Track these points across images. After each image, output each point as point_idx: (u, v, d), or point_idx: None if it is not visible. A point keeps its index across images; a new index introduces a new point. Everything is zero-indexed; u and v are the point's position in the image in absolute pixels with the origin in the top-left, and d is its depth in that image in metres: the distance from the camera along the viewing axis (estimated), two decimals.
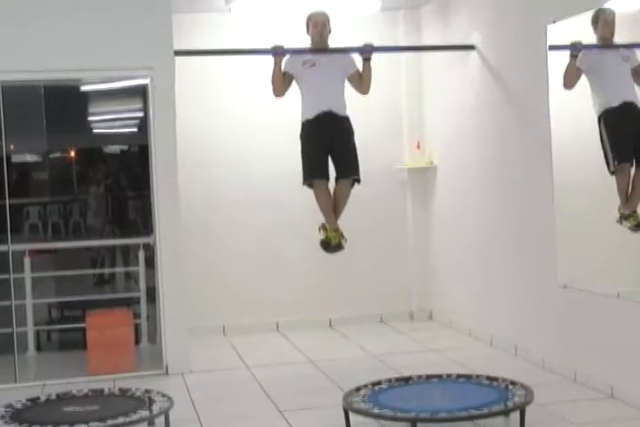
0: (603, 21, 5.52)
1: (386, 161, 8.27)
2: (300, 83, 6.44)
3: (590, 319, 5.71)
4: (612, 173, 5.55)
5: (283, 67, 6.38)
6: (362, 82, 6.54)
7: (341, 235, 6.44)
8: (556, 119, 5.95)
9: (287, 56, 6.44)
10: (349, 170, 6.43)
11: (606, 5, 5.42)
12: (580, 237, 5.88)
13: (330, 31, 6.54)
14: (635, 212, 5.49)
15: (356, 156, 6.45)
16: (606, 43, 5.59)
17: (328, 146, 6.41)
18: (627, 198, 5.55)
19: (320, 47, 6.46)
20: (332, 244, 6.41)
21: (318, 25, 6.48)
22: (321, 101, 6.35)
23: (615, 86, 5.64)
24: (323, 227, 6.45)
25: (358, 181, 6.44)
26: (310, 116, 6.35)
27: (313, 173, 6.40)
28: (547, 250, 6.15)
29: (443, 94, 7.95)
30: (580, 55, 5.65)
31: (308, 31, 6.57)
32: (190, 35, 7.46)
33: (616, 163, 5.52)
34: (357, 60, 6.48)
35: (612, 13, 5.48)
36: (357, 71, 6.46)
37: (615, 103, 5.53)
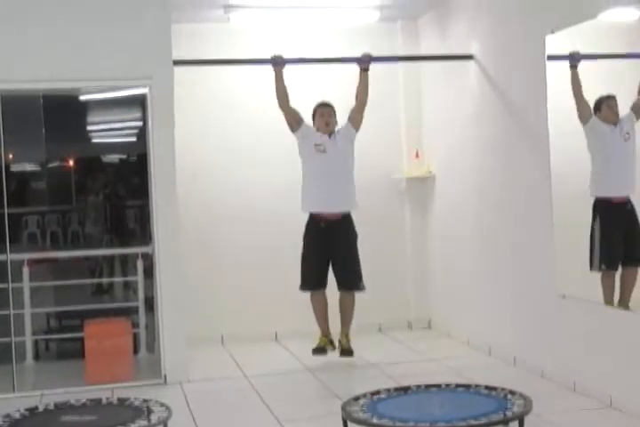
0: (606, 106, 5.63)
1: (384, 170, 8.28)
2: (308, 163, 6.62)
3: (589, 329, 5.70)
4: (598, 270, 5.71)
5: (299, 122, 6.58)
6: (358, 93, 6.60)
7: (330, 341, 6.86)
8: (555, 129, 5.97)
9: (307, 123, 6.69)
10: (350, 282, 6.75)
11: (603, 16, 5.43)
12: (578, 247, 5.88)
13: (336, 122, 6.76)
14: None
15: (357, 265, 6.75)
16: (611, 125, 5.68)
17: (328, 254, 6.74)
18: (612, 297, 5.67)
19: (321, 58, 6.54)
20: (316, 347, 6.83)
21: (325, 115, 6.67)
22: (327, 201, 6.61)
23: (617, 174, 5.71)
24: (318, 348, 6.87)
25: (363, 289, 6.80)
26: (314, 209, 6.70)
27: (308, 285, 6.81)
28: (545, 259, 6.15)
29: (441, 104, 7.96)
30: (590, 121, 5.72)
31: (314, 120, 6.76)
32: (189, 45, 7.47)
33: (603, 266, 5.67)
34: (354, 72, 6.50)
35: (614, 99, 5.61)
36: (351, 113, 6.71)
37: (613, 195, 5.63)
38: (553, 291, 6.04)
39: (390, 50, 8.09)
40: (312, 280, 6.79)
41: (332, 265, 6.77)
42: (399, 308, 8.36)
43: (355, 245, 6.78)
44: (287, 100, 6.53)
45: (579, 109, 5.75)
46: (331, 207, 6.67)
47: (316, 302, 6.85)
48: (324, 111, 6.71)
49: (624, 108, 5.61)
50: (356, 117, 6.73)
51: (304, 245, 6.81)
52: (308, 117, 6.85)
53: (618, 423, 5.16)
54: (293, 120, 6.64)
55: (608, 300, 5.61)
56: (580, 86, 5.73)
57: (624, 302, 5.53)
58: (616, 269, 5.66)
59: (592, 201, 5.74)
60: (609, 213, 5.66)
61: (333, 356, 7.40)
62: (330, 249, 6.71)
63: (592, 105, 5.70)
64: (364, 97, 6.66)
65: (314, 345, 6.86)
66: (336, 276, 6.79)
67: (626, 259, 5.66)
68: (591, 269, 5.71)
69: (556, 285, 6.01)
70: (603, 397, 5.49)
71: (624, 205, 5.62)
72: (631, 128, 5.55)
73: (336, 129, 6.75)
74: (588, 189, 5.77)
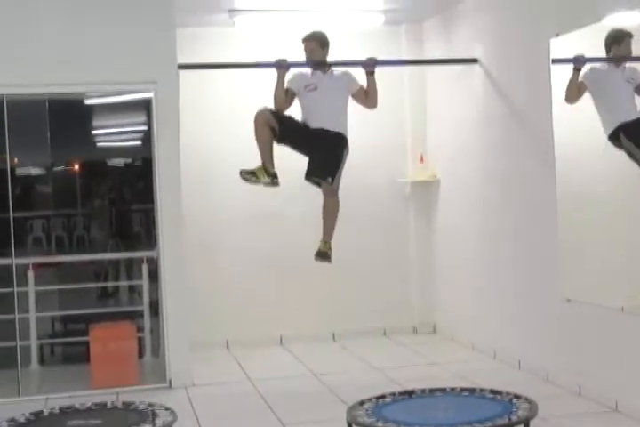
0: (626, 43, 5.49)
1: (389, 174, 8.28)
2: (301, 104, 6.47)
3: (594, 333, 5.70)
4: None
5: (287, 84, 6.38)
6: (368, 96, 6.55)
7: (267, 171, 6.31)
8: (559, 132, 5.97)
9: (292, 73, 6.44)
10: (322, 171, 6.21)
11: (607, 20, 5.42)
12: (583, 250, 5.88)
13: (326, 53, 6.47)
14: None
15: (336, 161, 6.23)
16: (613, 65, 5.59)
17: (307, 146, 6.29)
18: None
19: (322, 61, 6.45)
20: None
21: (306, 49, 6.49)
22: (315, 121, 6.35)
23: (620, 106, 5.64)
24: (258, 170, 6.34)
25: (331, 181, 6.17)
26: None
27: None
28: (550, 263, 6.14)
29: (446, 108, 7.96)
30: (585, 70, 5.66)
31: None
32: (194, 49, 7.48)
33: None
34: (359, 75, 6.47)
35: (631, 36, 5.47)
36: (361, 87, 6.45)
37: (629, 118, 5.53)
38: (558, 295, 6.04)
39: (395, 54, 8.09)
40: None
41: (309, 158, 6.29)
42: (404, 312, 8.35)
43: (338, 149, 6.25)
44: (284, 103, 6.48)
45: (572, 103, 5.73)
46: (319, 126, 6.40)
47: (259, 125, 6.27)
48: (305, 46, 6.41)
49: None
50: (357, 98, 6.56)
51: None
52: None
53: None
54: (292, 98, 6.52)
55: None
56: (576, 90, 5.69)
57: None
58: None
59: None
60: (632, 126, 5.50)
61: (338, 359, 7.41)
62: (309, 144, 6.28)
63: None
64: (373, 101, 6.61)
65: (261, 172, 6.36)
66: (311, 164, 6.28)
67: None
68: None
69: (561, 288, 6.00)
70: (608, 401, 5.48)
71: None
72: (637, 77, 5.49)
73: (336, 71, 6.55)
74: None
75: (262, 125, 6.29)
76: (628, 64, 5.53)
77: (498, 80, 6.94)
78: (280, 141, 6.31)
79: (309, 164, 6.28)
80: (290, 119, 6.35)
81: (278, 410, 5.82)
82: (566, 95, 5.75)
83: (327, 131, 6.29)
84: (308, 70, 6.45)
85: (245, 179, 6.37)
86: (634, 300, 5.54)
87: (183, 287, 6.68)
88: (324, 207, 6.30)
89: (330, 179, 6.18)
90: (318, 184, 6.24)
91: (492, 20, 7.03)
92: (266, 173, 6.35)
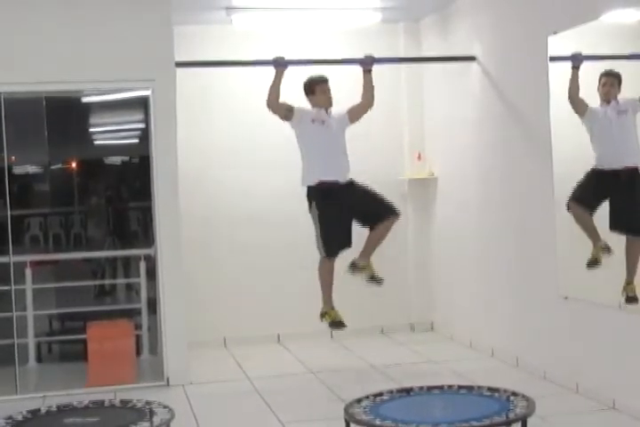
0: (603, 82, 5.61)
1: (386, 172, 8.27)
2: (306, 137, 6.53)
3: (592, 331, 5.70)
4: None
5: (292, 104, 6.48)
6: (364, 94, 6.58)
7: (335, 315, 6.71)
8: (557, 130, 5.96)
9: (299, 108, 6.56)
10: (389, 209, 6.62)
11: (605, 17, 5.42)
12: (581, 248, 5.87)
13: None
14: (631, 283, 5.50)
15: (382, 200, 6.61)
16: (604, 103, 5.68)
17: (349, 209, 6.57)
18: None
19: (323, 60, 6.50)
20: (334, 320, 6.72)
21: (326, 91, 6.59)
22: (332, 168, 6.50)
23: (613, 142, 5.72)
24: (321, 314, 6.76)
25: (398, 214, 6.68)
26: (320, 179, 6.49)
27: (332, 248, 6.59)
28: (548, 261, 6.14)
29: (443, 106, 7.96)
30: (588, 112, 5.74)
31: (310, 96, 6.66)
32: (192, 47, 7.47)
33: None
34: (357, 75, 6.48)
35: (614, 76, 5.59)
36: (351, 107, 6.59)
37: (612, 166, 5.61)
38: (555, 292, 6.04)
39: (392, 51, 8.09)
40: (341, 240, 6.56)
41: (362, 211, 6.59)
42: (401, 310, 8.35)
43: (369, 190, 6.63)
44: (277, 99, 6.50)
45: (574, 107, 5.76)
46: (337, 175, 6.54)
47: (327, 270, 6.63)
48: (326, 88, 6.60)
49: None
50: (356, 113, 6.66)
51: (319, 212, 6.51)
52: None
53: (621, 425, 5.16)
54: (286, 111, 6.56)
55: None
56: (577, 87, 5.73)
57: (630, 276, 5.48)
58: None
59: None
60: (600, 176, 5.67)
61: (335, 357, 7.40)
62: (350, 203, 6.52)
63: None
64: (369, 98, 6.64)
65: (328, 318, 6.73)
66: (372, 214, 6.60)
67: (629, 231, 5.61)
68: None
69: (559, 286, 6.01)
70: (606, 399, 5.48)
71: (619, 172, 5.57)
72: (631, 107, 5.52)
73: (331, 112, 6.66)
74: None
75: (325, 268, 6.68)
76: (621, 98, 5.60)
77: (496, 78, 6.94)
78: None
79: (372, 212, 6.63)
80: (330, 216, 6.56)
81: (276, 408, 5.82)
82: (569, 93, 5.77)
83: (345, 185, 6.54)
84: (310, 108, 6.62)
85: (338, 328, 6.84)
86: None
87: (181, 285, 6.68)
88: (383, 228, 6.63)
89: (394, 213, 6.64)
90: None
91: (489, 17, 7.03)
92: (333, 311, 6.75)
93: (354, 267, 6.70)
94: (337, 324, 6.70)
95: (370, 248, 6.67)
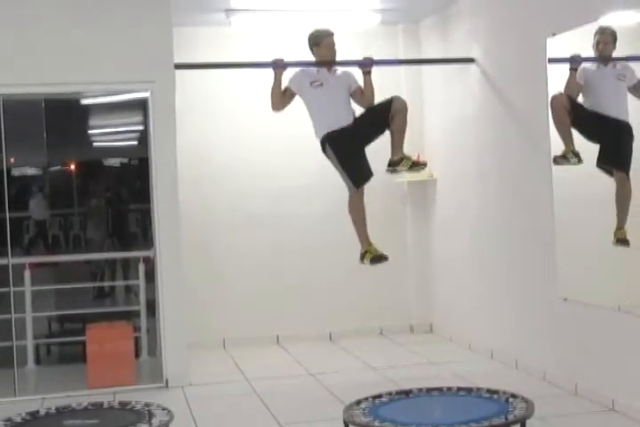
0: (602, 42, 5.56)
1: (386, 174, 8.25)
2: (308, 102, 6.47)
3: (591, 332, 5.70)
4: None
5: (287, 83, 6.38)
6: (364, 96, 6.56)
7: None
8: (556, 131, 5.96)
9: (293, 72, 6.43)
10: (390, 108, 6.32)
11: (603, 20, 5.43)
12: (580, 250, 5.88)
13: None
14: (622, 228, 5.51)
15: (381, 105, 6.36)
16: (603, 64, 5.65)
17: (361, 142, 6.33)
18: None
19: (324, 61, 6.45)
20: (374, 256, 6.30)
21: (332, 45, 6.49)
22: (333, 121, 6.38)
23: (608, 105, 5.68)
24: (361, 255, 6.37)
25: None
26: (328, 129, 6.32)
27: (361, 178, 6.32)
28: (547, 263, 6.14)
29: (443, 107, 7.97)
30: (579, 70, 5.68)
31: (315, 49, 6.55)
32: (191, 48, 7.47)
33: None
34: (358, 75, 6.48)
35: (610, 35, 5.52)
36: (359, 87, 6.47)
37: (620, 117, 5.56)
38: (555, 294, 6.04)
39: (391, 53, 8.10)
40: (360, 170, 6.36)
41: (370, 132, 6.38)
42: (401, 311, 8.35)
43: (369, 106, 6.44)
44: (281, 103, 6.48)
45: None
46: (340, 124, 6.47)
47: (356, 205, 6.39)
48: (332, 42, 6.44)
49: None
50: (355, 97, 6.61)
51: (333, 150, 6.31)
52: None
53: None
54: (291, 98, 6.53)
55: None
56: (575, 89, 5.71)
57: (620, 222, 5.50)
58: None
59: None
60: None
61: (335, 359, 7.40)
62: (357, 134, 6.34)
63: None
64: (370, 100, 6.62)
65: (369, 255, 6.32)
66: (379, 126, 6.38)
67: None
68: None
69: (558, 288, 6.01)
70: (605, 400, 5.48)
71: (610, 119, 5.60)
72: (629, 73, 5.51)
73: (337, 69, 6.58)
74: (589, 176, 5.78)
75: (357, 204, 6.36)
76: (622, 63, 5.56)
77: (494, 79, 6.94)
78: None
79: (379, 129, 6.35)
80: None
81: (275, 410, 5.82)
82: (566, 95, 5.77)
83: (352, 124, 6.32)
84: (311, 68, 6.45)
85: (379, 262, 6.33)
86: (630, 299, 5.54)
87: (180, 287, 6.68)
88: (397, 121, 6.34)
89: (398, 102, 6.30)
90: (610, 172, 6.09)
91: (488, 19, 7.03)
92: (371, 246, 6.34)
93: (393, 163, 6.44)
94: (379, 258, 6.32)
95: (397, 141, 6.43)
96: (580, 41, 5.73)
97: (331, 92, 6.43)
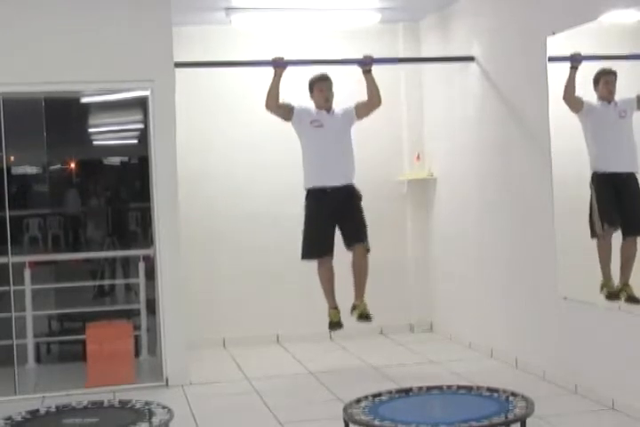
0: (603, 82, 5.62)
1: (386, 173, 8.27)
2: (306, 140, 6.52)
3: (591, 331, 5.70)
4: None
5: (293, 103, 6.47)
6: (368, 97, 6.56)
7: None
8: (556, 130, 5.96)
9: (298, 107, 6.53)
10: (361, 234, 6.57)
11: (604, 18, 5.43)
12: (580, 249, 5.88)
13: (333, 95, 6.62)
14: (627, 284, 5.51)
15: (364, 223, 6.59)
16: (605, 102, 5.68)
17: (334, 216, 6.53)
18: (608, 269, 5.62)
19: (322, 60, 6.48)
20: (332, 322, 6.68)
21: (324, 90, 6.54)
22: (323, 175, 6.44)
23: (614, 150, 5.72)
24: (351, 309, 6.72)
25: (368, 249, 6.60)
26: (314, 184, 6.51)
27: (313, 252, 6.58)
28: (547, 262, 6.14)
29: (442, 106, 7.96)
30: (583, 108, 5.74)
31: (311, 95, 6.63)
32: (191, 47, 7.48)
33: (605, 226, 5.65)
34: (356, 75, 6.48)
35: (613, 75, 5.58)
36: (358, 103, 6.53)
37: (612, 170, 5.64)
38: (554, 293, 6.04)
39: (392, 52, 8.09)
40: (319, 246, 6.53)
41: (340, 225, 6.56)
42: (401, 310, 8.35)
43: (360, 207, 6.62)
44: (277, 101, 6.49)
45: (570, 106, 5.77)
46: (331, 181, 6.53)
47: (324, 272, 6.62)
48: (324, 86, 6.54)
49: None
50: (363, 110, 6.61)
51: (306, 214, 6.56)
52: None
53: (620, 426, 5.15)
54: (285, 112, 6.54)
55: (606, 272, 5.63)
56: (574, 87, 5.73)
57: (624, 278, 5.49)
58: (616, 229, 5.63)
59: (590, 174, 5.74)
60: (606, 182, 5.66)
61: (335, 358, 7.40)
62: (335, 211, 6.50)
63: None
64: (375, 98, 6.61)
65: (330, 319, 6.72)
66: (344, 235, 6.56)
67: (625, 229, 5.61)
68: (592, 234, 5.70)
69: (558, 287, 6.01)
70: (605, 399, 5.48)
71: (621, 176, 5.61)
72: (630, 108, 5.53)
73: (336, 108, 6.63)
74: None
75: (322, 270, 6.69)
76: (618, 97, 5.61)
77: (495, 78, 6.94)
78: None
79: (346, 232, 6.58)
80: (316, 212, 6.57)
81: (275, 408, 5.82)
82: (564, 93, 5.77)
83: (343, 191, 6.51)
84: (310, 107, 6.58)
85: (335, 329, 6.81)
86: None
87: (180, 286, 6.68)
88: (357, 261, 6.61)
89: (363, 243, 6.56)
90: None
91: (488, 18, 7.03)
92: (335, 310, 6.75)
93: (353, 308, 6.72)
94: (334, 324, 6.68)
95: (358, 288, 6.70)
96: (580, 39, 5.72)
97: (330, 135, 6.50)
